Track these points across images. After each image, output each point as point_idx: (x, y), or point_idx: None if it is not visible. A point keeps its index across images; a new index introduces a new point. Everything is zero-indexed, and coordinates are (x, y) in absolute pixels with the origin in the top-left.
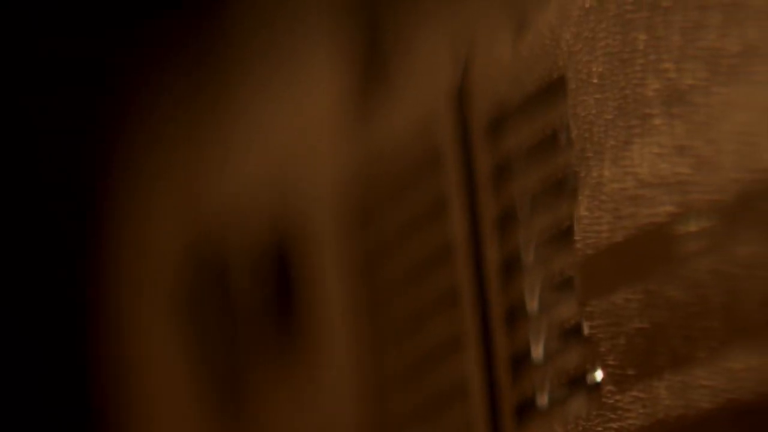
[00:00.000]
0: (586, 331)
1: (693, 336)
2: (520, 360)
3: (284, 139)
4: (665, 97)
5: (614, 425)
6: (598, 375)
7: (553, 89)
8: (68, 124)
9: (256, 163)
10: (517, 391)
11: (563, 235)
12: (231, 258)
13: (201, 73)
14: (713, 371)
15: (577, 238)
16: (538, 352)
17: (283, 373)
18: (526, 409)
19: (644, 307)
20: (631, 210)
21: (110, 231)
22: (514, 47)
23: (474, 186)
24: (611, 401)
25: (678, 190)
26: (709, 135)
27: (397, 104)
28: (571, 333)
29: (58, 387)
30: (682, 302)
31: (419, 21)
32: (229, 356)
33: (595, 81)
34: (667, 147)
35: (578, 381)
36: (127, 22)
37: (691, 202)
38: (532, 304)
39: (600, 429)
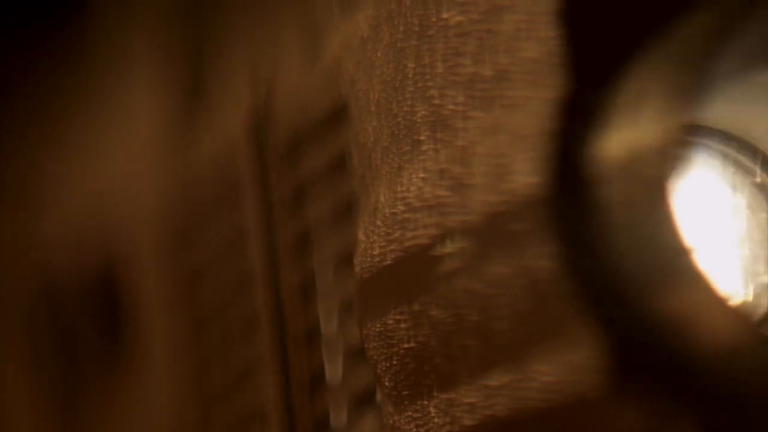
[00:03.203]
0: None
1: (454, 355)
2: (317, 382)
3: (111, 165)
4: (431, 123)
5: None
6: (379, 396)
7: (339, 117)
8: None
9: (87, 189)
10: (313, 412)
11: (352, 260)
12: (65, 282)
13: (42, 99)
14: (473, 388)
15: (355, 262)
16: (333, 374)
17: (111, 390)
18: (321, 429)
19: (411, 327)
20: (399, 233)
21: None
22: (307, 75)
23: (271, 212)
24: (391, 422)
25: (438, 212)
26: (465, 159)
27: (208, 131)
28: (362, 355)
29: None
30: (442, 322)
31: (233, 49)
32: (67, 375)
33: (372, 108)
34: (432, 171)
35: (369, 402)
36: None
37: (448, 223)
38: (328, 327)
39: None
